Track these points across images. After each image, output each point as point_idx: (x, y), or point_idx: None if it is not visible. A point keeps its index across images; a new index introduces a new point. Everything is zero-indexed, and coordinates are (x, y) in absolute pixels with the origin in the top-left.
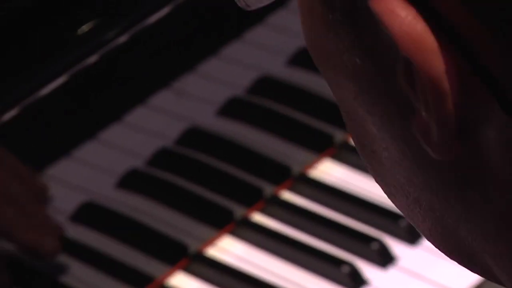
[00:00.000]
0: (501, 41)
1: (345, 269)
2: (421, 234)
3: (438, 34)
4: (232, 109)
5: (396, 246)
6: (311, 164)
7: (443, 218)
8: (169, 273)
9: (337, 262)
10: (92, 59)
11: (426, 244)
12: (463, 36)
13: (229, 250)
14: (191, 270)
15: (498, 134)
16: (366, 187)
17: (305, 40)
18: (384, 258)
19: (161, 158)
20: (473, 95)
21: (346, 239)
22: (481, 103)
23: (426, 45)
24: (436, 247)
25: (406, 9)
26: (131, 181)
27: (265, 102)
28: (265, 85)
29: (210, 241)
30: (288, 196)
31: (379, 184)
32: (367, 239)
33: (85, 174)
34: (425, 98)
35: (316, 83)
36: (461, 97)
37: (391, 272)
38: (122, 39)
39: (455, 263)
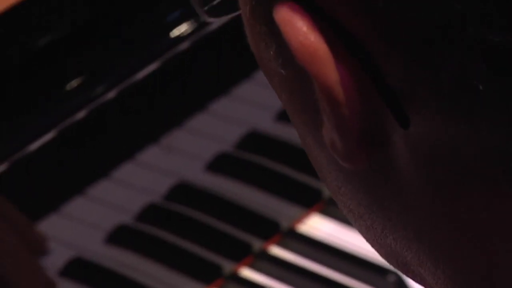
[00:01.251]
0: (396, 51)
1: None
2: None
3: (334, 43)
4: (221, 164)
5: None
6: (300, 219)
7: (373, 227)
8: None
9: None
10: (80, 114)
11: None
12: (360, 45)
13: None
14: None
15: (403, 143)
16: (355, 242)
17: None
18: None
19: (150, 213)
20: (373, 105)
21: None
22: (382, 114)
23: (319, 56)
24: (382, 257)
25: (303, 19)
26: (120, 236)
27: (253, 157)
28: (254, 140)
29: None
30: (276, 251)
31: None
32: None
33: (74, 229)
34: (323, 107)
35: None
36: (359, 107)
37: None
38: (110, 95)
39: None
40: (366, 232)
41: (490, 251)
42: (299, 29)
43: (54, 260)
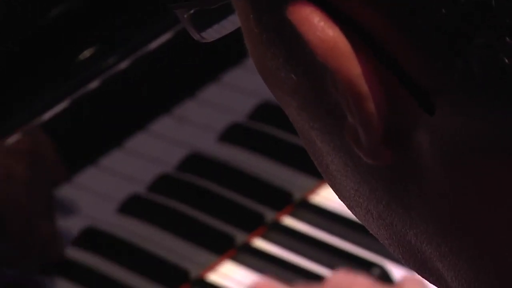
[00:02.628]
0: (414, 41)
1: None
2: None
3: (353, 37)
4: (233, 135)
5: (397, 271)
6: (313, 189)
7: (392, 225)
8: None
9: None
10: (93, 85)
11: None
12: (378, 39)
13: (230, 275)
14: None
15: (427, 135)
16: None
17: (253, 60)
18: (385, 283)
19: (162, 184)
20: (395, 97)
21: (347, 265)
22: (406, 105)
23: (339, 49)
24: (397, 256)
25: (319, 15)
26: (132, 206)
27: (265, 127)
28: (266, 110)
29: (211, 266)
30: (289, 221)
31: (340, 199)
32: (368, 265)
33: (87, 199)
34: (347, 102)
35: None
36: (383, 99)
37: None
38: (123, 65)
39: None
40: (386, 231)
41: (504, 248)
42: (316, 25)
43: (67, 230)
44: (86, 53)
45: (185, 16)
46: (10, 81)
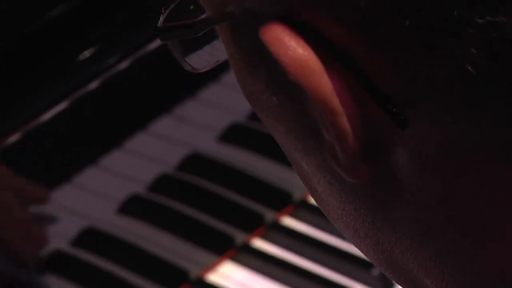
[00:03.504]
0: (382, 54)
1: None
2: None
3: (323, 55)
4: (233, 135)
5: None
6: None
7: (379, 244)
8: None
9: (338, 287)
10: (93, 85)
11: None
12: (348, 54)
13: (230, 276)
14: None
15: (404, 150)
16: None
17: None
18: (385, 284)
19: (162, 184)
20: (369, 113)
21: (347, 265)
22: (380, 121)
23: (310, 67)
24: (388, 276)
25: (289, 34)
26: (132, 207)
27: (266, 128)
28: None
29: (211, 267)
30: (289, 222)
31: (332, 222)
32: (367, 265)
33: (86, 199)
34: (322, 120)
35: None
36: (357, 116)
37: None
38: (123, 65)
39: None
40: (373, 251)
41: (498, 247)
42: (287, 44)
43: (67, 230)
44: (86, 53)
45: (175, 47)
46: (10, 81)
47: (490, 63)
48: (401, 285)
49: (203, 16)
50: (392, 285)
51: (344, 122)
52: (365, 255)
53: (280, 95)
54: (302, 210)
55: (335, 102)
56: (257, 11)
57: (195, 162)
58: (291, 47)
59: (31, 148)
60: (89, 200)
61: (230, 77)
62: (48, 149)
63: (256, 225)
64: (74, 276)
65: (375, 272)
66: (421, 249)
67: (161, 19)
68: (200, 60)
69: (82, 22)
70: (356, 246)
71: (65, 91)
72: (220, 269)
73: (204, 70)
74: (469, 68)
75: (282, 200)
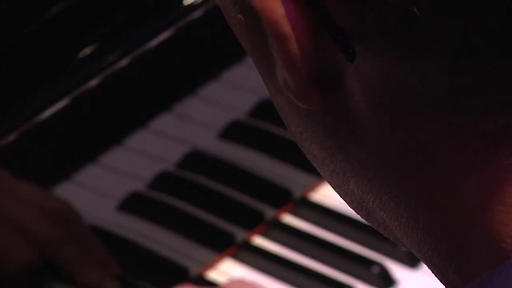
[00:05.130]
0: None
1: None
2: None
3: None
4: (233, 132)
5: (396, 269)
6: (313, 187)
7: (335, 172)
8: None
9: (339, 285)
10: (93, 82)
11: (426, 268)
12: None
13: (230, 273)
14: None
15: (356, 81)
16: None
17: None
18: (385, 282)
19: (162, 181)
20: (322, 42)
21: (347, 263)
22: (333, 51)
23: None
24: (349, 206)
25: None
26: (132, 204)
27: (266, 125)
28: (267, 108)
29: (211, 264)
30: (289, 219)
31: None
32: (367, 263)
33: (86, 197)
34: (272, 44)
35: None
36: (307, 43)
37: None
38: (124, 62)
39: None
40: (330, 178)
41: (441, 174)
42: None
43: None
44: (87, 51)
45: None
46: (10, 79)
47: (434, 7)
48: (360, 215)
49: None
50: (393, 283)
51: (293, 47)
52: (326, 180)
53: (242, 13)
54: (302, 208)
55: (286, 26)
56: None
57: (195, 160)
58: None
59: (31, 146)
60: (89, 198)
61: (230, 75)
62: (48, 147)
63: (256, 222)
64: None
65: (376, 270)
66: (375, 181)
67: None
68: None
69: (82, 19)
70: (321, 174)
71: (65, 88)
72: (220, 266)
73: None
74: (415, 10)
75: (282, 198)
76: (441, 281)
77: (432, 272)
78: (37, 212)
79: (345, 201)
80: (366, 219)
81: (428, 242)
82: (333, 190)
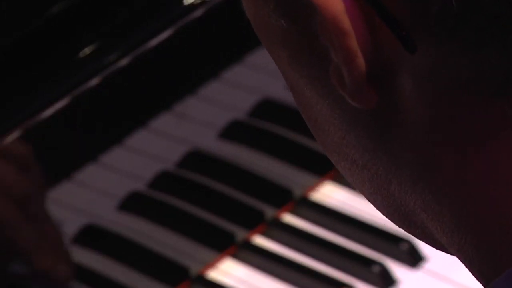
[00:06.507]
0: None
1: None
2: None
3: None
4: (234, 132)
5: (397, 269)
6: (313, 187)
7: (377, 175)
8: None
9: (339, 284)
10: (94, 82)
11: (427, 268)
12: None
13: (230, 272)
14: None
15: (410, 77)
16: (367, 210)
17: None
18: (385, 282)
19: (162, 181)
20: (379, 36)
21: (347, 262)
22: (389, 45)
23: None
24: (381, 213)
25: None
26: (132, 203)
27: (266, 125)
28: (267, 108)
29: (211, 264)
30: (289, 219)
31: (328, 155)
32: (368, 262)
33: (87, 196)
34: (331, 40)
35: None
36: (366, 38)
37: None
38: (124, 62)
39: (458, 285)
40: (369, 183)
41: (494, 169)
42: None
43: (67, 227)
44: (87, 50)
45: None
46: (11, 78)
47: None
48: (395, 222)
49: None
50: (393, 283)
51: (353, 43)
52: (359, 190)
53: (287, 17)
54: (303, 207)
55: (346, 22)
56: None
57: (195, 159)
58: None
59: (31, 145)
60: (89, 197)
61: (230, 75)
62: (48, 146)
63: (256, 222)
64: (75, 275)
65: (376, 269)
66: (419, 181)
67: None
68: None
69: (82, 19)
70: (351, 181)
71: (65, 88)
72: (221, 266)
73: None
74: (454, 3)
75: (283, 197)
76: (479, 280)
77: (470, 271)
78: None
79: (378, 207)
80: (401, 224)
81: (469, 240)
82: (333, 190)
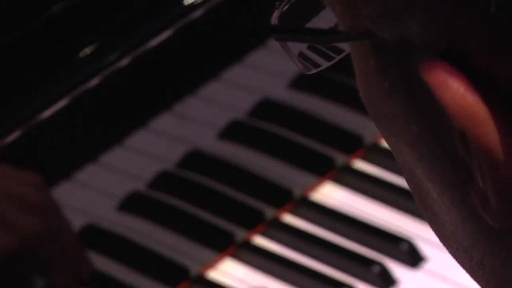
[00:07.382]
0: None
1: None
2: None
3: (492, 103)
4: (233, 132)
5: (397, 269)
6: (313, 187)
7: (507, 282)
8: None
9: (339, 285)
10: (94, 82)
11: (427, 268)
12: None
13: (230, 273)
14: None
15: None
16: (367, 210)
17: (362, 97)
18: (385, 282)
19: (162, 181)
20: None
21: (347, 262)
22: None
23: (478, 117)
24: None
25: (458, 80)
26: (132, 204)
27: (266, 125)
28: (266, 108)
29: (211, 264)
30: (289, 219)
31: (443, 245)
32: (368, 262)
33: (87, 197)
34: (481, 168)
35: (317, 106)
36: None
37: None
38: (124, 62)
39: (458, 285)
40: (494, 284)
41: None
42: (456, 91)
43: None
44: (87, 50)
45: (288, 47)
46: (11, 79)
47: None
48: None
49: (340, 29)
50: (393, 283)
51: (508, 174)
52: (478, 283)
53: (423, 126)
54: (303, 207)
55: (499, 154)
56: (416, 40)
57: (195, 159)
58: (460, 95)
59: (31, 145)
60: (89, 197)
61: (230, 75)
62: (48, 146)
63: (256, 222)
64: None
65: (376, 269)
66: None
67: (275, 16)
68: (313, 62)
69: (82, 19)
70: (471, 275)
71: (65, 88)
72: (221, 266)
73: (314, 72)
74: None
75: (283, 197)
76: None
77: None
78: (20, 206)
79: None
80: None
81: None
82: (333, 190)
